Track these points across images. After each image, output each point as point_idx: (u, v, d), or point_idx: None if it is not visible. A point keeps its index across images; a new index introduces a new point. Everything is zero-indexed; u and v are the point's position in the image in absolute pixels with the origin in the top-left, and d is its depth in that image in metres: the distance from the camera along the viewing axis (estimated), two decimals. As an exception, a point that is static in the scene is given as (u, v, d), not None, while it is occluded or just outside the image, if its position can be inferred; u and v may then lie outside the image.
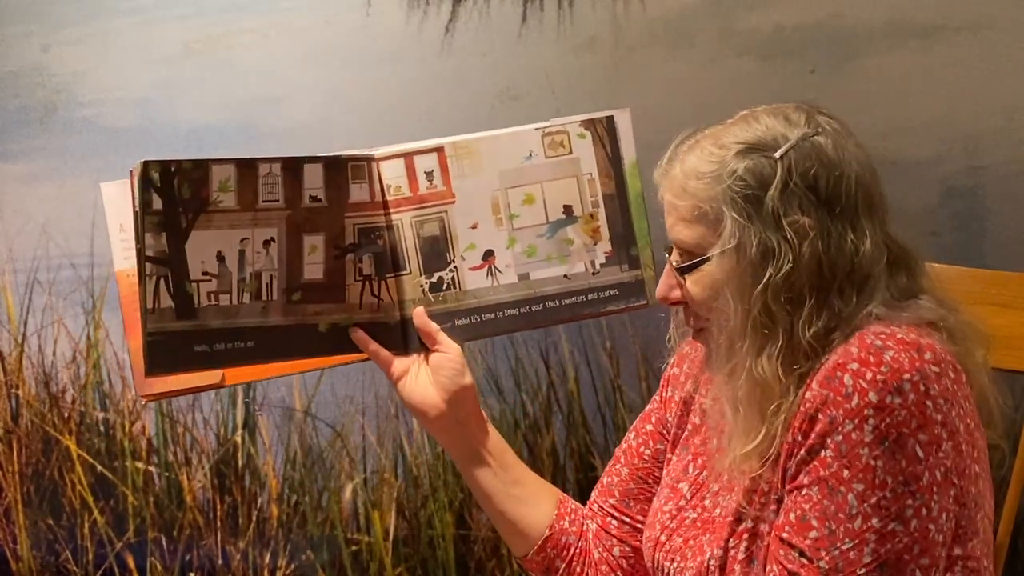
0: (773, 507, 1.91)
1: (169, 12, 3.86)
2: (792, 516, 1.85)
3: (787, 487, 1.87)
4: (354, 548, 3.88)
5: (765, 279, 1.88)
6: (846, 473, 1.81)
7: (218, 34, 3.84)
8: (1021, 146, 3.42)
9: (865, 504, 1.81)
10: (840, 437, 1.81)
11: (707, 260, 1.92)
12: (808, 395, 1.85)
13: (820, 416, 1.83)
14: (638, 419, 2.23)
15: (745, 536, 1.92)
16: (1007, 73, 3.40)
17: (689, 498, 2.05)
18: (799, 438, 1.85)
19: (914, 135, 3.43)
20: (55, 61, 3.93)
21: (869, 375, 1.81)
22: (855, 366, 1.82)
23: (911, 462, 1.81)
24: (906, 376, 1.81)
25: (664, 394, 2.19)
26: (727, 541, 1.94)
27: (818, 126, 1.91)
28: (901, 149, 3.39)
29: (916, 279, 1.93)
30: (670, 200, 1.95)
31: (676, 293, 1.97)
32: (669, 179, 1.95)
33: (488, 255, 2.18)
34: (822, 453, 1.83)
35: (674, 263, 1.97)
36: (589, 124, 2.20)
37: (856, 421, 1.81)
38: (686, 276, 1.95)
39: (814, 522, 1.83)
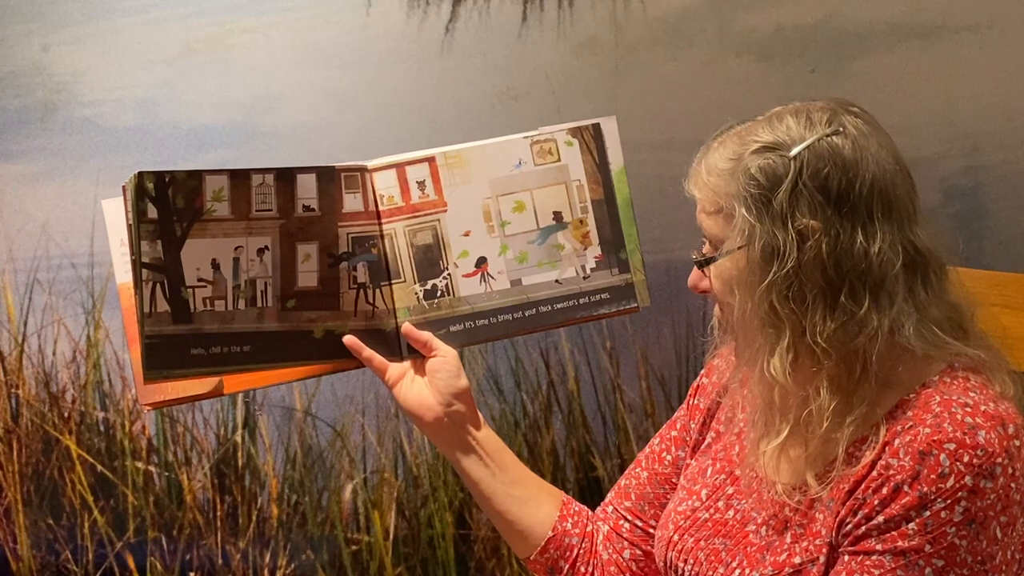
0: (819, 525, 1.91)
1: (169, 12, 3.85)
2: None
3: (850, 546, 1.88)
4: (354, 548, 3.88)
5: (769, 278, 1.88)
6: (928, 548, 1.83)
7: (218, 34, 3.84)
8: (1021, 146, 3.42)
9: None
10: (928, 513, 1.83)
11: (721, 256, 1.94)
12: (894, 462, 1.86)
13: (908, 490, 1.84)
14: (664, 426, 2.23)
15: (788, 572, 1.92)
16: (1007, 73, 3.40)
17: (704, 499, 2.05)
18: (876, 504, 1.86)
19: (914, 135, 3.42)
20: (55, 61, 3.93)
21: (966, 458, 1.82)
22: (952, 447, 1.83)
23: (991, 543, 1.84)
24: (998, 460, 1.83)
25: (691, 402, 2.20)
26: (767, 571, 1.94)
27: (840, 126, 1.90)
28: (901, 149, 3.37)
29: (936, 285, 1.93)
30: (693, 192, 1.97)
31: (704, 283, 1.99)
32: (694, 173, 1.97)
33: (481, 262, 2.19)
34: (905, 526, 1.84)
35: (695, 256, 1.99)
36: (576, 132, 2.20)
37: (948, 501, 1.82)
38: (705, 269, 1.97)
39: None
